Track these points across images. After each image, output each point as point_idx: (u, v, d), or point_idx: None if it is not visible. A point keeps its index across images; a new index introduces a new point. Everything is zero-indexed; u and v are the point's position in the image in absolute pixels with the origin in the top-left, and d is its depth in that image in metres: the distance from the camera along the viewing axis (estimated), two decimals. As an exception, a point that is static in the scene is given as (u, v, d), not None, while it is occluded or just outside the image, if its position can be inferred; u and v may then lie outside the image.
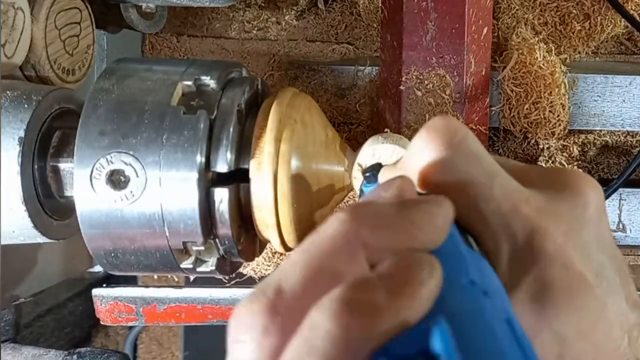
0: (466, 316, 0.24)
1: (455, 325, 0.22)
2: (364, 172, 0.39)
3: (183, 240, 0.44)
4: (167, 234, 0.44)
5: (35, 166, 0.48)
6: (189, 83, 0.45)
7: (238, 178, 0.46)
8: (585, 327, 0.29)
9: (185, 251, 0.46)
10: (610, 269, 0.30)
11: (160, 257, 0.45)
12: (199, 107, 0.44)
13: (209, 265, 0.47)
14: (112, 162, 0.43)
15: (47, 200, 0.49)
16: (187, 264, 0.46)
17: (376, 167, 0.38)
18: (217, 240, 0.46)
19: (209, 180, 0.44)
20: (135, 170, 0.43)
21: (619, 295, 0.30)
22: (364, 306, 0.22)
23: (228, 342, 0.25)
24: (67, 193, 0.49)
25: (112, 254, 0.45)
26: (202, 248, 0.45)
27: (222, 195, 0.44)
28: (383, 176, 0.35)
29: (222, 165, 0.44)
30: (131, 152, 0.43)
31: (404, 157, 0.32)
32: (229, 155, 0.44)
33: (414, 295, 0.23)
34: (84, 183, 0.43)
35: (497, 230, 0.29)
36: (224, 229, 0.45)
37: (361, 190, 0.41)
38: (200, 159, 0.43)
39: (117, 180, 0.43)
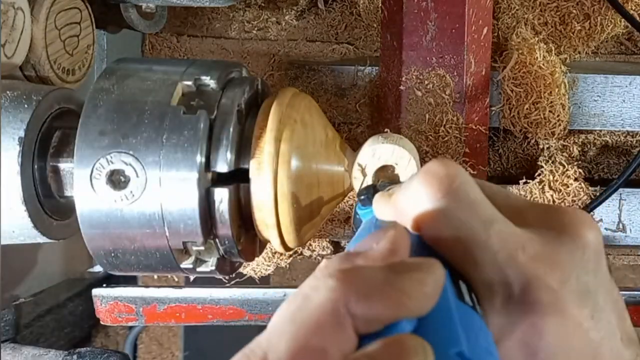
0: None
1: None
2: (358, 194, 0.39)
3: (183, 240, 0.44)
4: (167, 234, 0.44)
5: (35, 166, 0.48)
6: (189, 83, 0.45)
7: (238, 178, 0.45)
8: None
9: (185, 251, 0.46)
10: (607, 309, 0.30)
11: (160, 257, 0.45)
12: (199, 107, 0.44)
13: (209, 265, 0.47)
14: (112, 162, 0.43)
15: (47, 200, 0.49)
16: (187, 264, 0.46)
17: (370, 191, 0.37)
18: (217, 240, 0.46)
19: (209, 180, 0.44)
20: (135, 170, 0.43)
21: (614, 336, 0.30)
22: None
23: None
24: (67, 193, 0.49)
25: (112, 254, 0.45)
26: (202, 248, 0.45)
27: (222, 195, 0.44)
28: (378, 205, 0.35)
29: (222, 165, 0.44)
30: (131, 152, 0.43)
31: (399, 195, 0.32)
32: (229, 155, 0.44)
33: None
34: (84, 183, 0.43)
35: (492, 279, 0.29)
36: (224, 229, 0.45)
37: (355, 212, 0.41)
38: (200, 159, 0.43)
39: (117, 180, 0.43)
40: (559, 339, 0.28)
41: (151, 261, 0.46)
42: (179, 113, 0.44)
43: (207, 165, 0.44)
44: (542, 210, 0.32)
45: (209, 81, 0.45)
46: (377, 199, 0.35)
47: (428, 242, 0.30)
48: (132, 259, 0.45)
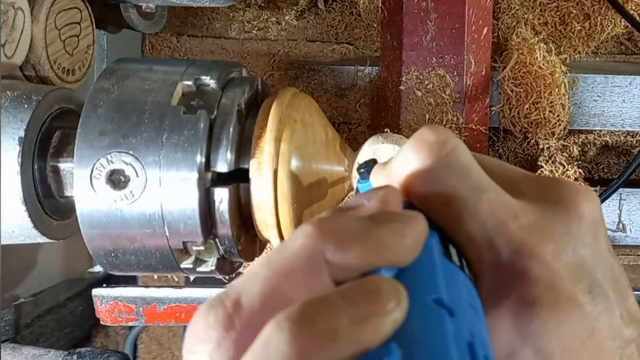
0: (423, 342, 0.23)
1: (409, 352, 0.22)
2: (358, 168, 0.39)
3: (183, 240, 0.44)
4: (167, 233, 0.44)
5: (35, 166, 0.48)
6: (189, 83, 0.45)
7: (238, 178, 0.45)
8: (573, 345, 0.28)
9: (185, 251, 0.46)
10: (606, 285, 0.29)
11: (160, 257, 0.45)
12: (199, 107, 0.44)
13: (209, 265, 0.47)
14: (112, 162, 0.43)
15: (47, 200, 0.49)
16: (187, 263, 0.46)
17: (370, 164, 0.37)
18: (217, 240, 0.46)
19: (209, 180, 0.44)
20: (135, 170, 0.43)
21: (612, 312, 0.29)
22: (323, 331, 0.22)
23: (183, 351, 0.25)
24: (67, 193, 0.49)
25: (112, 254, 0.45)
26: (202, 248, 0.45)
27: (222, 195, 0.44)
28: (373, 175, 0.35)
29: (222, 165, 0.44)
30: (131, 152, 0.43)
31: (392, 163, 0.32)
32: (229, 155, 0.44)
33: (378, 326, 0.22)
34: (84, 183, 0.43)
35: (480, 245, 0.29)
36: (224, 229, 0.45)
37: (356, 189, 0.41)
38: (200, 159, 0.43)
39: (117, 180, 0.43)
40: (552, 311, 0.28)
41: (151, 261, 0.46)
42: (179, 113, 0.44)
43: (207, 165, 0.44)
44: (537, 182, 0.31)
45: (209, 81, 0.45)
46: (375, 168, 0.35)
47: (418, 205, 0.30)
48: (132, 259, 0.45)
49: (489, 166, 0.31)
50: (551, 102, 0.68)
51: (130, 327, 1.24)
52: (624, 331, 0.29)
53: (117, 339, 1.21)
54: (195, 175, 0.43)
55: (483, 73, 0.66)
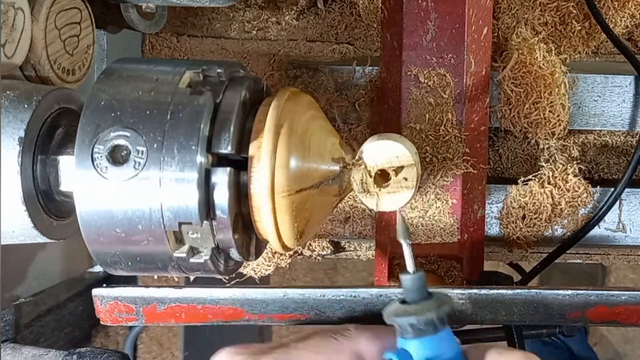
0: None
1: None
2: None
3: (179, 220, 0.44)
4: (163, 209, 0.43)
5: (36, 166, 0.48)
6: (197, 71, 0.45)
7: (238, 169, 0.46)
8: None
9: (179, 239, 0.45)
10: None
11: (154, 239, 0.44)
12: (205, 91, 0.45)
13: (203, 255, 0.46)
14: (113, 138, 0.43)
15: (47, 200, 0.49)
16: (180, 252, 0.45)
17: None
18: (213, 223, 0.45)
19: (210, 163, 0.44)
20: (136, 146, 0.43)
21: None
22: None
23: None
24: (68, 188, 0.48)
25: (104, 236, 0.45)
26: (197, 235, 0.45)
27: (222, 176, 0.44)
28: None
29: (225, 146, 0.44)
30: (134, 128, 0.43)
31: None
32: (231, 138, 0.44)
33: None
34: (85, 158, 0.43)
35: None
36: (221, 212, 0.44)
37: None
38: (203, 135, 0.43)
39: (117, 157, 0.43)
40: None
41: (144, 247, 0.45)
42: (186, 93, 0.44)
43: (209, 146, 0.44)
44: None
45: (215, 72, 0.46)
46: None
47: None
48: (125, 245, 0.45)
49: None
50: (551, 102, 0.68)
51: (130, 327, 1.24)
52: None
53: (117, 339, 1.21)
54: (196, 151, 0.43)
55: (483, 73, 0.66)
